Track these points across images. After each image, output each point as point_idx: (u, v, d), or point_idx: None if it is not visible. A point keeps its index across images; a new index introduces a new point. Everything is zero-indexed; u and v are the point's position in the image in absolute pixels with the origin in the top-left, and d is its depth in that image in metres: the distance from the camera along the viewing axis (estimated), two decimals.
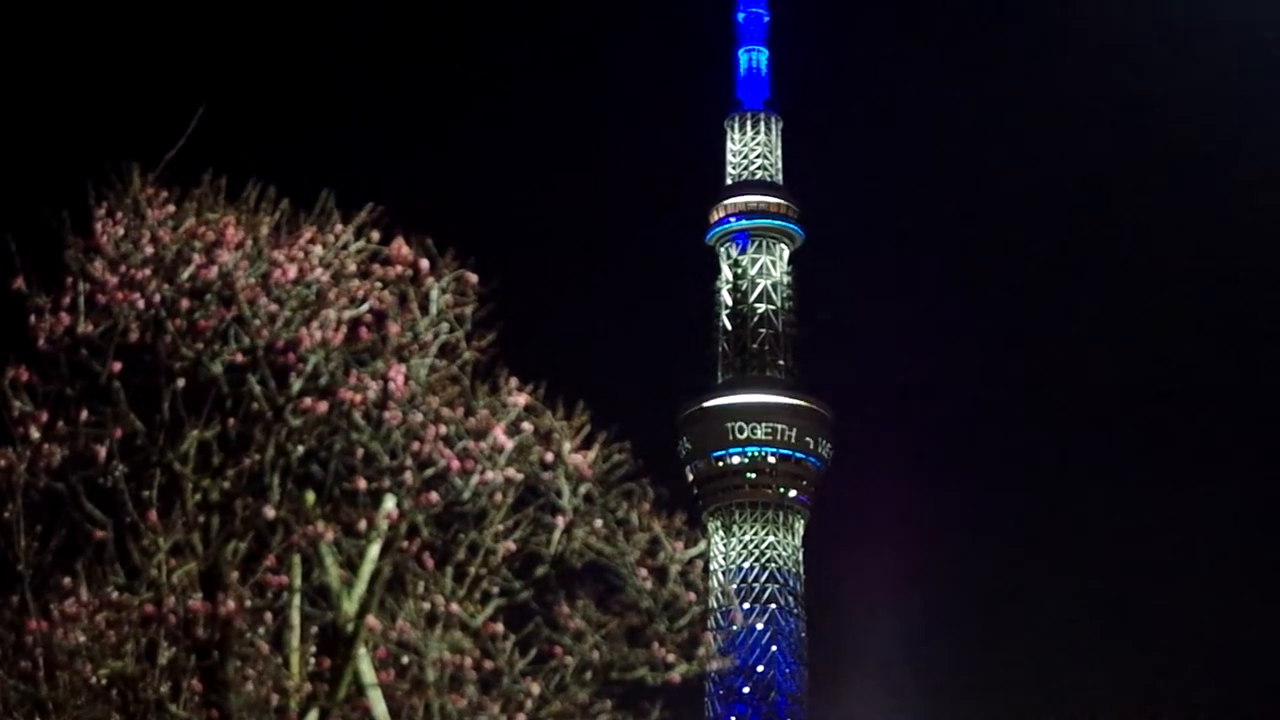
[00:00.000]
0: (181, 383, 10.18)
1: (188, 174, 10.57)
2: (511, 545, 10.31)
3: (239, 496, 10.11)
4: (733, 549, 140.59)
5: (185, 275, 10.24)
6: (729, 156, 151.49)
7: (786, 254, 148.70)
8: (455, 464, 10.14)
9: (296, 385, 10.17)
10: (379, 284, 10.43)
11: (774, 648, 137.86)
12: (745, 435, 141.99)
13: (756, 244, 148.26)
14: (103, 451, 10.09)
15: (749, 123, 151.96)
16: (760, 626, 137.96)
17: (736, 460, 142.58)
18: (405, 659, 10.16)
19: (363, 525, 10.04)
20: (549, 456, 10.35)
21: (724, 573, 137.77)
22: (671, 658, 10.31)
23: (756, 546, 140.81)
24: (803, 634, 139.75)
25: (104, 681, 11.27)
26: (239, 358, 10.23)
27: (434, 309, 10.46)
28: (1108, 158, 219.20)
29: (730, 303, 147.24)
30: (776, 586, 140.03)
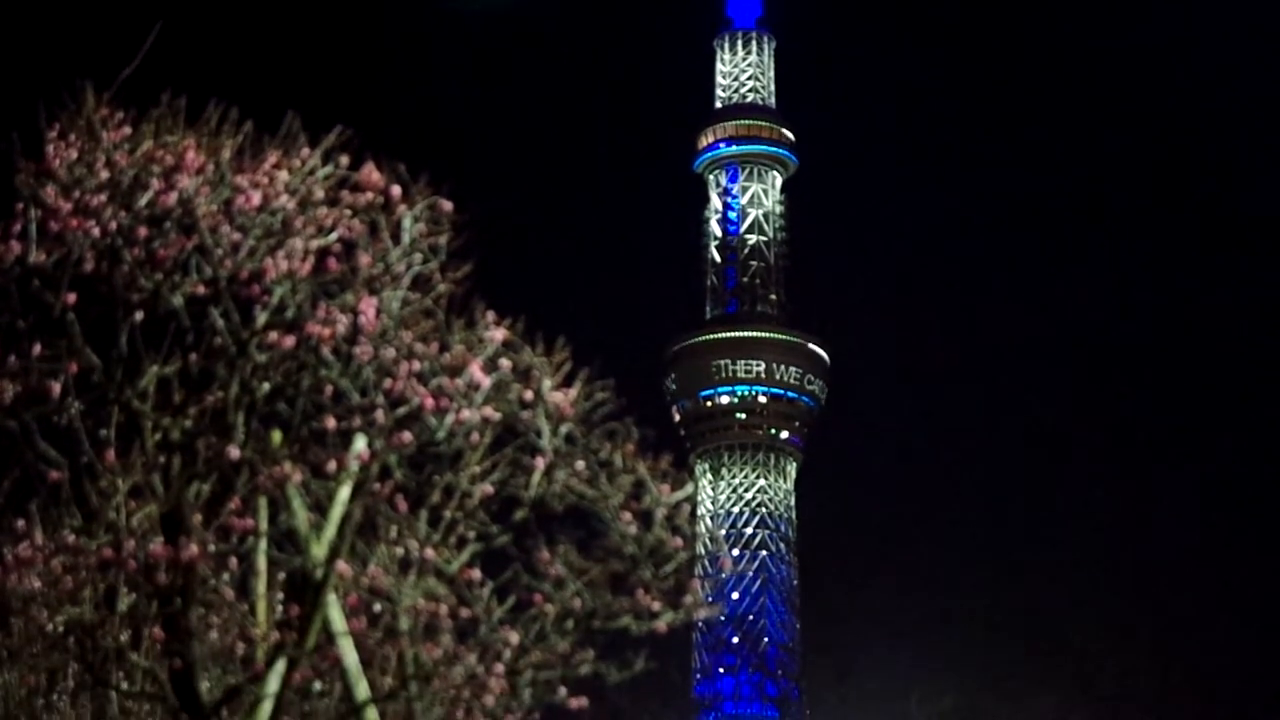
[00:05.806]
0: (140, 315, 10.16)
1: (145, 94, 10.51)
2: (489, 488, 10.34)
3: (201, 436, 10.12)
4: (721, 493, 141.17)
5: (143, 201, 10.20)
6: (718, 79, 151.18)
7: (779, 182, 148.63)
8: (429, 402, 10.15)
9: (262, 319, 10.16)
10: (348, 212, 10.41)
11: (764, 596, 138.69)
12: (735, 373, 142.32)
13: (747, 171, 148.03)
14: (57, 388, 10.08)
15: (740, 42, 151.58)
16: (750, 573, 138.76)
17: (726, 400, 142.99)
18: (377, 606, 10.21)
19: (332, 466, 10.05)
20: (528, 395, 10.36)
21: (712, 518, 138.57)
22: (657, 606, 10.35)
23: (746, 490, 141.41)
24: (794, 581, 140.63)
25: (61, 629, 11.33)
26: (200, 289, 10.20)
27: (406, 238, 10.44)
28: (1125, 96, 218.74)
29: (720, 234, 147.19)
30: (767, 532, 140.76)
